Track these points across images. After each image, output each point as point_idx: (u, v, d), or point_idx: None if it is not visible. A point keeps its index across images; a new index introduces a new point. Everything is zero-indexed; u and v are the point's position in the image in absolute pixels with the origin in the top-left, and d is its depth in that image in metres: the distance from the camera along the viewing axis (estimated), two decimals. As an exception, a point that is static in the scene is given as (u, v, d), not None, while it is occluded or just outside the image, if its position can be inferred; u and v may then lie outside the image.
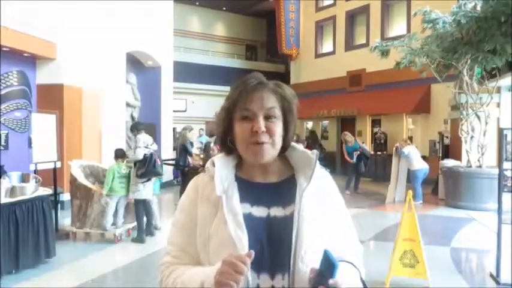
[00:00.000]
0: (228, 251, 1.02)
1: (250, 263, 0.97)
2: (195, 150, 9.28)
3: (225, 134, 1.18)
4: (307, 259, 1.06)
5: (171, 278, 1.13)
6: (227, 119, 1.17)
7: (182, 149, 8.86)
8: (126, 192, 6.25)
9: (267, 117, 1.13)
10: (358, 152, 10.96)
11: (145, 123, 7.61)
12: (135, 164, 6.16)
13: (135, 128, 6.57)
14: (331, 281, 0.97)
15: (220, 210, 1.11)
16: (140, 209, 6.23)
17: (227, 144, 1.19)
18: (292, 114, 1.18)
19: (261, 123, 1.12)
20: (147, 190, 6.22)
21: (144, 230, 6.25)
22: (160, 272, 1.18)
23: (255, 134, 1.11)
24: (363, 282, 1.15)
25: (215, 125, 1.23)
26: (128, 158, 6.55)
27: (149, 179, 6.23)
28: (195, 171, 7.83)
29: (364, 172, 11.25)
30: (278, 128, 1.15)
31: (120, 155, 6.31)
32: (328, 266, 0.98)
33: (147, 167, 6.08)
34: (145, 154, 6.11)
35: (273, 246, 1.08)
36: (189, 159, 8.47)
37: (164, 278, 1.16)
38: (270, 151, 1.14)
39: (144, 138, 6.28)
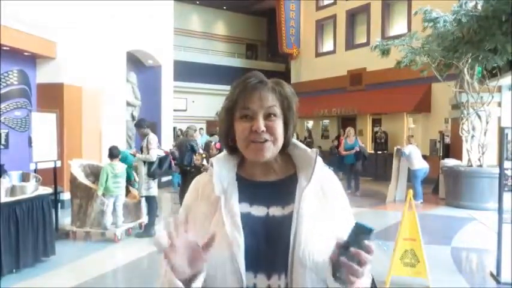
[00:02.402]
0: (224, 251, 1.02)
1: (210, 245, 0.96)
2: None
3: (227, 134, 1.18)
4: (305, 259, 1.05)
5: None
6: (228, 119, 1.17)
7: (189, 148, 8.86)
8: (122, 192, 6.30)
9: (267, 116, 1.13)
10: (357, 149, 10.84)
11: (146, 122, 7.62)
12: (144, 163, 6.39)
13: (140, 124, 6.80)
14: (352, 249, 0.93)
15: (218, 211, 1.10)
16: (152, 204, 6.56)
17: (229, 144, 1.19)
18: (292, 112, 1.18)
19: (261, 122, 1.11)
20: (155, 187, 6.61)
21: (154, 225, 6.54)
22: (163, 266, 1.17)
23: (255, 133, 1.11)
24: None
25: (218, 125, 1.24)
26: (121, 156, 6.63)
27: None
28: (197, 170, 7.82)
29: (361, 171, 11.19)
30: (278, 126, 1.14)
31: (115, 154, 6.25)
32: (356, 237, 0.94)
33: (163, 168, 6.50)
34: (158, 155, 6.44)
35: (270, 246, 1.07)
36: (193, 158, 8.52)
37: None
38: (271, 149, 1.13)
39: (155, 139, 6.56)
